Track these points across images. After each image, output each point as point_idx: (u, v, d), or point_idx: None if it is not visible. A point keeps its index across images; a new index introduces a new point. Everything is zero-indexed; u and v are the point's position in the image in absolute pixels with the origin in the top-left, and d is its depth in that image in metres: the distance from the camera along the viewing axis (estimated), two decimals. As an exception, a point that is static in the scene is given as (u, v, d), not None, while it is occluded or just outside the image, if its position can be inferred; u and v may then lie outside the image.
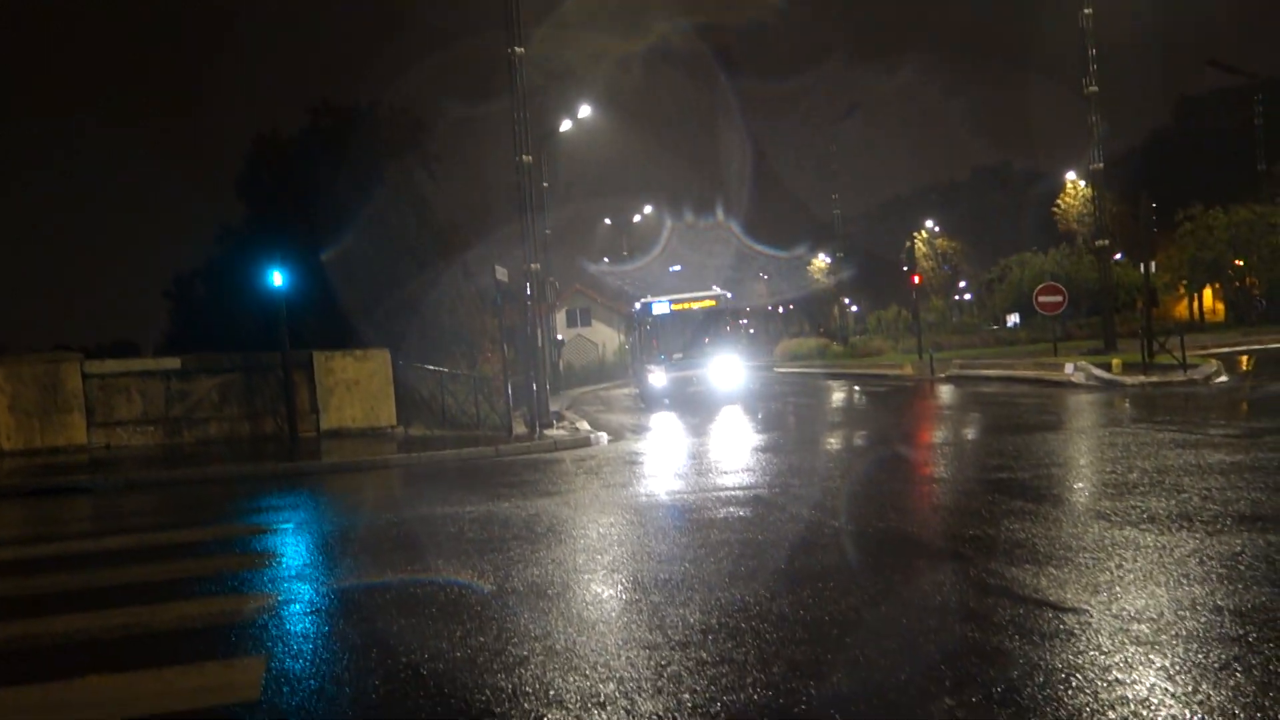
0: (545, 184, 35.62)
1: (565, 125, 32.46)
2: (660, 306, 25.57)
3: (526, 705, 3.62)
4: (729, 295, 27.18)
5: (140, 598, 5.60)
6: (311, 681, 4.04)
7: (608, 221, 68.96)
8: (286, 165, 27.61)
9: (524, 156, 19.77)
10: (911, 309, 45.61)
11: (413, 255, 27.25)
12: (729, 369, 24.23)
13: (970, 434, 13.28)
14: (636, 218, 66.02)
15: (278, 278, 16.96)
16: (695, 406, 21.93)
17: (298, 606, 5.37)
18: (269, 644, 4.58)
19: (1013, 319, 64.26)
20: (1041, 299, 30.41)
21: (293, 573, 6.38)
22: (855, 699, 3.53)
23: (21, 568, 6.99)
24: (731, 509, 7.92)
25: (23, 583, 6.40)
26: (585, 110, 31.02)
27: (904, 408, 20.22)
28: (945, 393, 22.99)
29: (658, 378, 24.19)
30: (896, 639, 4.18)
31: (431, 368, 21.65)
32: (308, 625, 4.95)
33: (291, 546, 7.52)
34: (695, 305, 25.61)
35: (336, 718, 3.66)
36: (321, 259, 24.35)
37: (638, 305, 26.26)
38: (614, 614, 4.83)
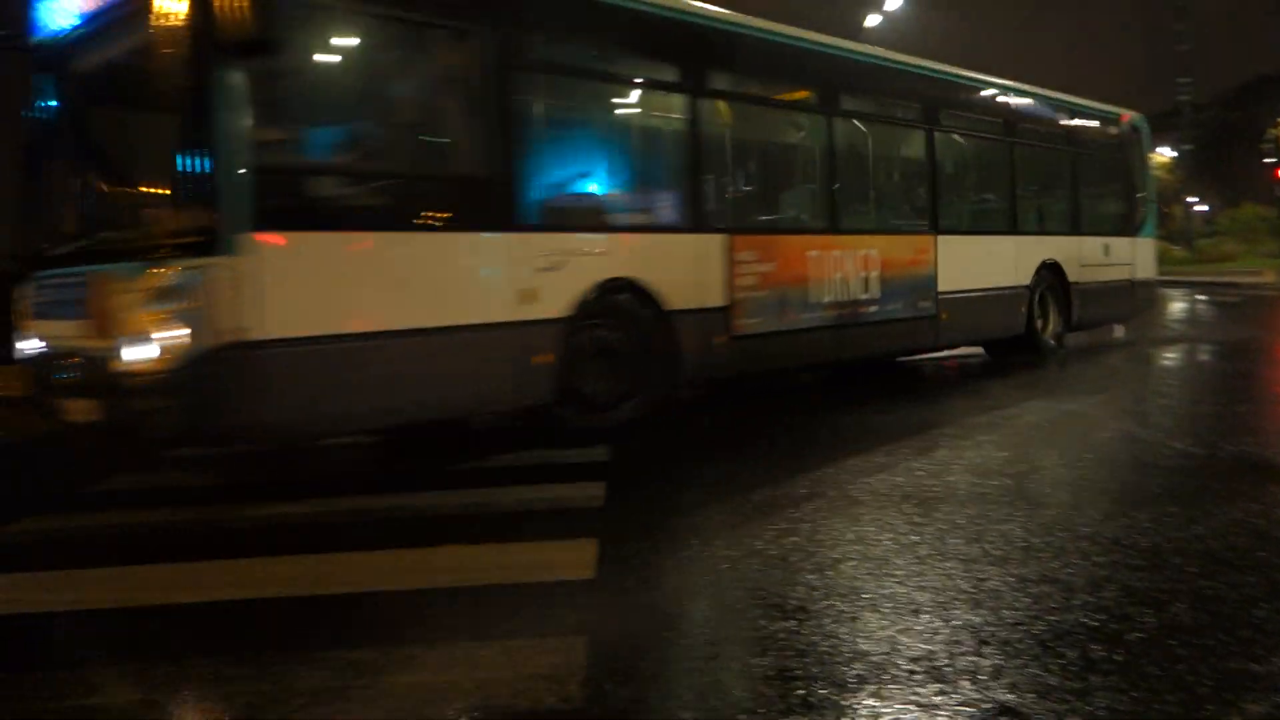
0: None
1: (872, 20, 31.10)
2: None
3: (841, 606, 3.69)
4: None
5: (479, 482, 6.23)
6: (642, 568, 4.32)
7: None
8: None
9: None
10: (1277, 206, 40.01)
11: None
12: None
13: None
14: None
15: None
16: None
17: (633, 493, 5.71)
18: (602, 529, 4.93)
19: None
20: None
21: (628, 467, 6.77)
22: (1198, 630, 3.28)
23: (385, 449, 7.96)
24: (1058, 424, 7.50)
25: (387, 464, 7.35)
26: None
27: (1259, 320, 17.93)
28: (1313, 304, 20.12)
29: None
30: (1253, 573, 3.82)
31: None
32: (640, 516, 5.25)
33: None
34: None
35: (663, 600, 3.93)
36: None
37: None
38: (925, 524, 4.77)
